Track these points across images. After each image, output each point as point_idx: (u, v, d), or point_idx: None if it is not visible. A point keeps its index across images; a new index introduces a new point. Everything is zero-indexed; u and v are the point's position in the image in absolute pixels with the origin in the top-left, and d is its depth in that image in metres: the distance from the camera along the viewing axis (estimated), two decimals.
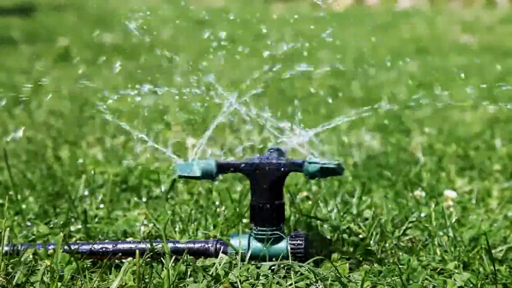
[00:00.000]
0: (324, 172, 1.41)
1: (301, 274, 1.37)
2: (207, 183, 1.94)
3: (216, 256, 1.43)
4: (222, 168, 1.43)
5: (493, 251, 1.50)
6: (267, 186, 1.42)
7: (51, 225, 1.69)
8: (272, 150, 1.50)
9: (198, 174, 1.41)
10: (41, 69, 3.99)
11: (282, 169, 1.41)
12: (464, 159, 2.28)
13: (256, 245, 1.43)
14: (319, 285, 1.33)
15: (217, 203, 1.79)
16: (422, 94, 2.75)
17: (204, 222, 1.65)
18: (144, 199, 1.88)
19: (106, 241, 1.54)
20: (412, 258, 1.47)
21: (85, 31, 5.53)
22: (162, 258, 1.42)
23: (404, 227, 1.65)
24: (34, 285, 1.34)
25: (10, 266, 1.40)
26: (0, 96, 2.92)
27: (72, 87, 3.38)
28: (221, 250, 1.44)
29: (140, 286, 1.31)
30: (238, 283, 1.34)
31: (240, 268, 1.38)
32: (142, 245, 1.45)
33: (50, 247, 1.45)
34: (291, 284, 1.34)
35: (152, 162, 2.18)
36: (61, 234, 1.46)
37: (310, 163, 1.40)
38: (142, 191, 1.94)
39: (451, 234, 1.58)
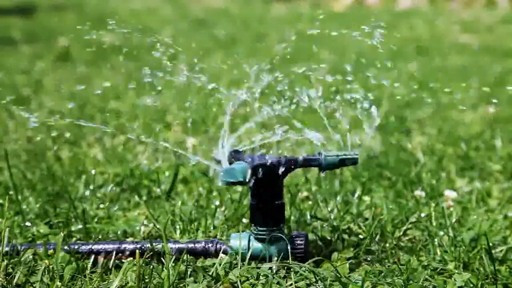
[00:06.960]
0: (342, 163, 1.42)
1: (301, 274, 1.37)
2: (206, 182, 1.95)
3: (216, 256, 1.44)
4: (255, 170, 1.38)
5: (493, 251, 1.50)
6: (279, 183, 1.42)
7: (51, 225, 1.69)
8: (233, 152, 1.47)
9: (241, 179, 1.37)
10: (41, 69, 3.98)
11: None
12: (464, 159, 2.28)
13: (256, 245, 1.43)
14: (319, 285, 1.33)
15: (217, 203, 1.79)
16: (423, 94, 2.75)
17: (204, 222, 1.65)
18: (144, 198, 1.88)
19: (106, 241, 1.54)
20: (412, 258, 1.47)
21: (85, 31, 5.52)
22: (162, 258, 1.42)
23: (404, 227, 1.65)
24: (34, 285, 1.34)
25: (10, 266, 1.40)
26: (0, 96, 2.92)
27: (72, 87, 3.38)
28: (222, 250, 1.44)
29: (140, 286, 1.31)
30: (238, 283, 1.33)
31: (240, 268, 1.38)
32: (141, 245, 1.45)
33: (50, 247, 1.45)
34: (291, 284, 1.34)
35: (152, 162, 2.18)
36: (61, 234, 1.46)
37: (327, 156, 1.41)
38: (142, 191, 1.94)
39: (451, 234, 1.58)
